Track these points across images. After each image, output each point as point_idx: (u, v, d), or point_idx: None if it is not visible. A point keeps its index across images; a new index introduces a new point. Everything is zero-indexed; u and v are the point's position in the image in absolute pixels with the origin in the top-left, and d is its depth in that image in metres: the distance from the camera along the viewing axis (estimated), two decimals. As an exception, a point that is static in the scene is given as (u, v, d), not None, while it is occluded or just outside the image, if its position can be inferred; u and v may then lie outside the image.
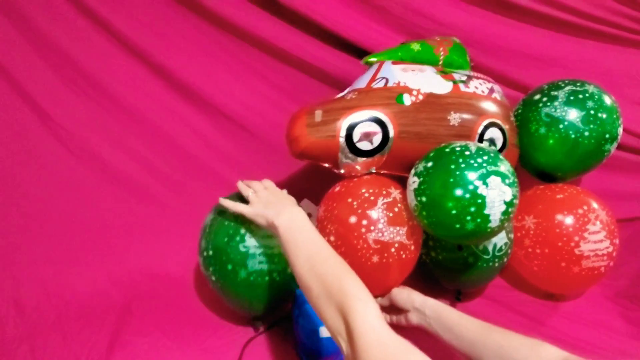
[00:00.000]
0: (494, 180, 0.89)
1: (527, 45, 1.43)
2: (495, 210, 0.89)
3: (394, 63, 1.14)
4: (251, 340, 1.03)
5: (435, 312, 0.93)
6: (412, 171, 1.01)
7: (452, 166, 0.92)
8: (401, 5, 1.34)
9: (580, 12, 1.41)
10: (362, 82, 1.11)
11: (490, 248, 1.10)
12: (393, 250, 0.99)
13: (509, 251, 1.14)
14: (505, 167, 0.93)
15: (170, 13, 1.30)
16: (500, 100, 1.16)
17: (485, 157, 0.92)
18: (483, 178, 0.89)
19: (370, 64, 1.18)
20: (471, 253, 1.10)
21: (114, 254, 1.26)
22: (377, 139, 1.04)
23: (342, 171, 1.09)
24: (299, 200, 1.26)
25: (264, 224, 0.91)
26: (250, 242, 0.97)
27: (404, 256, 1.01)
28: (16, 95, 1.24)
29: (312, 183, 1.28)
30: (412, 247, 1.03)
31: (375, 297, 1.09)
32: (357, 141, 1.03)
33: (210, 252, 1.00)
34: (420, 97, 1.06)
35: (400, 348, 0.64)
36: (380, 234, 0.98)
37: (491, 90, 1.15)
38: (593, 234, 1.09)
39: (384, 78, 1.09)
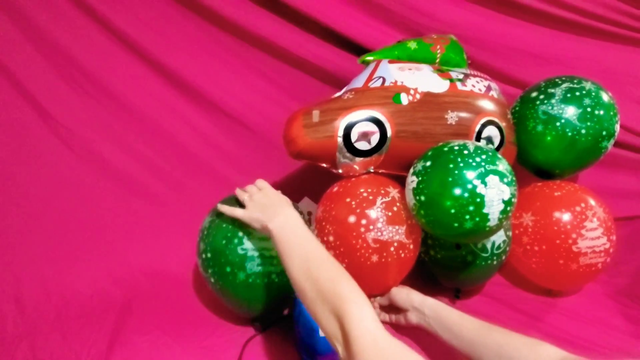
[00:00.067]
0: (492, 179, 0.89)
1: (527, 42, 1.43)
2: (493, 209, 0.90)
3: (390, 62, 1.14)
4: (251, 339, 1.03)
5: (435, 312, 0.94)
6: (411, 170, 1.01)
7: (451, 165, 0.92)
8: (401, 3, 1.34)
9: (580, 9, 1.40)
10: (358, 82, 1.10)
11: (488, 246, 1.10)
12: (392, 249, 1.00)
13: (508, 249, 1.14)
14: (503, 165, 0.93)
15: (170, 11, 1.30)
16: (498, 98, 1.16)
17: (483, 156, 0.92)
18: (481, 177, 0.89)
19: (366, 63, 1.17)
20: (470, 251, 1.10)
21: (114, 253, 1.26)
22: (375, 139, 1.04)
23: (340, 171, 1.09)
24: (298, 198, 1.27)
25: (259, 228, 0.92)
26: (249, 245, 0.98)
27: (403, 255, 1.01)
28: (17, 94, 1.23)
29: (312, 181, 1.28)
30: (411, 246, 1.03)
31: (375, 296, 1.10)
32: (355, 141, 1.03)
33: (209, 255, 1.01)
34: (418, 96, 1.06)
35: (397, 350, 0.64)
36: (379, 234, 0.98)
37: (488, 88, 1.15)
38: (590, 230, 1.09)
39: (380, 77, 1.09)
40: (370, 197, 1.01)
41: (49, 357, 0.97)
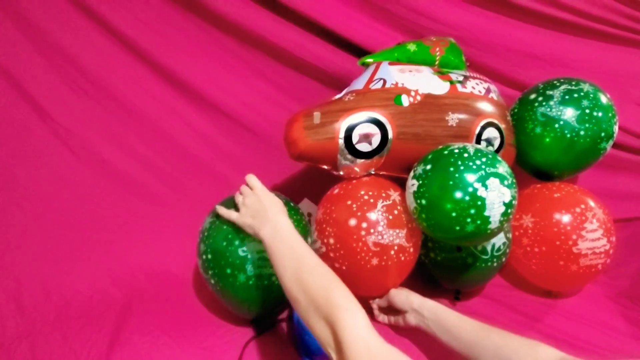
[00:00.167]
0: (493, 182, 0.89)
1: (527, 44, 1.43)
2: (494, 212, 0.90)
3: (391, 64, 1.14)
4: (251, 340, 1.03)
5: (434, 314, 0.94)
6: (411, 174, 1.01)
7: (451, 168, 0.92)
8: (402, 4, 1.33)
9: (579, 11, 1.40)
10: (359, 84, 1.10)
11: (489, 248, 1.11)
12: (392, 252, 1.00)
13: (508, 251, 1.15)
14: (503, 168, 0.93)
15: (170, 12, 1.30)
16: (497, 99, 1.16)
17: (483, 159, 0.92)
18: (482, 180, 0.89)
19: (366, 65, 1.18)
20: (470, 253, 1.10)
21: (114, 253, 1.26)
22: (376, 140, 1.03)
23: (341, 173, 1.09)
24: (299, 199, 1.27)
25: (252, 233, 0.92)
26: (249, 247, 0.98)
27: (403, 258, 1.02)
28: (17, 94, 1.23)
29: (312, 182, 1.29)
30: (411, 250, 1.03)
31: (374, 298, 1.10)
32: (356, 143, 1.03)
33: (209, 256, 1.01)
34: (419, 98, 1.06)
35: (390, 356, 0.64)
36: (379, 237, 0.98)
37: (488, 90, 1.15)
38: (590, 232, 1.10)
39: (381, 79, 1.09)
40: (371, 200, 1.01)
41: (49, 357, 0.97)
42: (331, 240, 1.02)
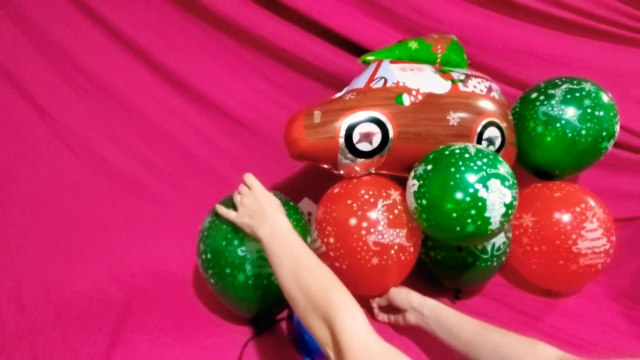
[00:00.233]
0: (494, 183, 0.89)
1: (528, 43, 1.42)
2: (495, 213, 0.89)
3: (392, 62, 1.14)
4: (251, 340, 1.03)
5: (434, 312, 0.94)
6: (412, 174, 1.00)
7: (452, 169, 0.92)
8: (402, 3, 1.33)
9: (582, 10, 1.40)
10: (360, 82, 1.10)
11: (489, 247, 1.11)
12: (393, 252, 0.99)
13: (508, 250, 1.15)
14: (504, 169, 0.93)
15: (170, 12, 1.30)
16: (499, 99, 1.16)
17: (484, 160, 0.92)
18: (483, 181, 0.89)
19: (367, 63, 1.17)
20: (470, 253, 1.10)
21: (114, 252, 1.26)
22: (377, 140, 1.03)
23: (341, 172, 1.09)
24: (299, 198, 1.27)
25: (250, 233, 0.92)
26: (249, 246, 0.98)
27: (403, 258, 1.01)
28: (16, 94, 1.23)
29: (312, 181, 1.28)
30: (412, 249, 1.03)
31: (374, 297, 1.10)
32: (357, 142, 1.02)
33: (209, 256, 1.00)
34: (420, 97, 1.06)
35: (389, 356, 0.64)
36: (380, 236, 0.98)
37: (489, 89, 1.14)
38: (590, 231, 1.10)
39: (382, 78, 1.08)
40: (372, 200, 1.01)
41: (49, 357, 0.97)
42: (331, 240, 1.01)
